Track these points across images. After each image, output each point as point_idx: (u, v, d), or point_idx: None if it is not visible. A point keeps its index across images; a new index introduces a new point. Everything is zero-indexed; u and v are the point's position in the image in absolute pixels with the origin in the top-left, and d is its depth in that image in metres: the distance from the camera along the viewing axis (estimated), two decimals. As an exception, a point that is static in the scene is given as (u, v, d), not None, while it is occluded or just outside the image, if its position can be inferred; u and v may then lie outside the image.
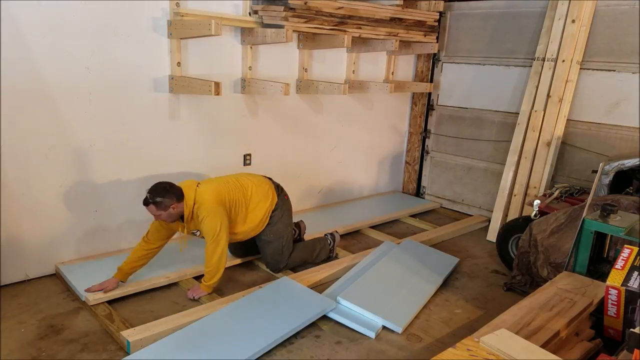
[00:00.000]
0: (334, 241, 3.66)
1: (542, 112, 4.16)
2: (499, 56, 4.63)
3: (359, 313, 2.85)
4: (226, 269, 3.38)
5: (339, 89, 3.87)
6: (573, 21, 3.98)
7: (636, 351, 1.76)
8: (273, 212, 3.28)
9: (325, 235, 3.67)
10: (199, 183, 3.05)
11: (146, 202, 2.85)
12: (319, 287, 3.22)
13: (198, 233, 3.11)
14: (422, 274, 3.37)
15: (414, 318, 2.93)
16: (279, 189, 3.40)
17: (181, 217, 2.98)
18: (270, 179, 3.43)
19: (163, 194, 2.83)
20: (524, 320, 2.30)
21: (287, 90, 3.51)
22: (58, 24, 2.90)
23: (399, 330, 2.76)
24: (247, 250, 3.47)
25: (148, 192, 2.87)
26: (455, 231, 4.43)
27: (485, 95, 4.77)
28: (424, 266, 3.48)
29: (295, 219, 3.64)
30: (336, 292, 3.03)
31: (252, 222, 3.20)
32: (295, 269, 3.43)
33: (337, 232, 3.76)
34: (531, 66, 4.29)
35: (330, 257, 3.63)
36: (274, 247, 3.29)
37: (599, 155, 4.02)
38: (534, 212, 3.52)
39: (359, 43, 4.34)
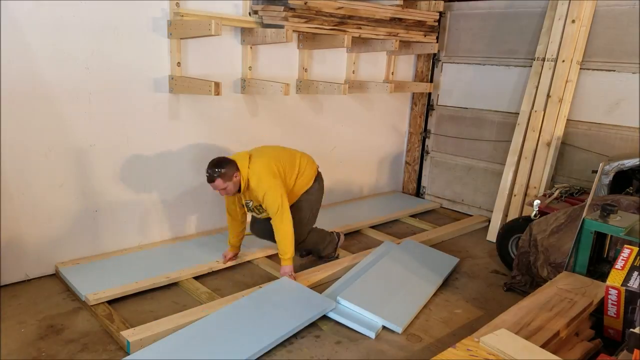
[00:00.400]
0: (338, 240, 3.72)
1: (542, 112, 4.16)
2: (499, 56, 4.63)
3: (359, 313, 2.85)
4: (226, 269, 3.40)
5: (339, 89, 3.87)
6: (573, 21, 3.98)
7: (636, 351, 1.76)
8: (313, 183, 3.41)
9: (332, 232, 3.72)
10: (250, 154, 3.17)
11: (211, 178, 2.98)
12: (319, 287, 3.22)
13: (251, 204, 3.23)
14: (421, 274, 3.38)
15: (414, 318, 2.93)
16: (317, 171, 3.53)
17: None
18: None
19: (224, 166, 2.99)
20: (524, 320, 2.30)
21: (287, 90, 3.51)
22: (58, 24, 2.90)
23: (399, 330, 2.77)
24: (267, 233, 3.39)
25: (209, 169, 3.00)
26: (455, 231, 4.43)
27: (485, 95, 4.77)
28: (423, 266, 3.48)
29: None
30: (336, 292, 3.03)
31: (296, 188, 3.34)
32: (295, 269, 3.44)
33: (341, 233, 3.82)
34: (531, 66, 4.29)
35: (332, 256, 3.66)
36: (301, 216, 3.33)
37: (599, 155, 4.02)
38: (534, 212, 3.52)
39: (359, 43, 4.34)
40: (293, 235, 3.13)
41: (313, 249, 3.57)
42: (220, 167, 2.97)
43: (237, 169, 3.04)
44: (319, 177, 3.50)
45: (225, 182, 2.99)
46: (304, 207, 3.37)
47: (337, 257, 3.68)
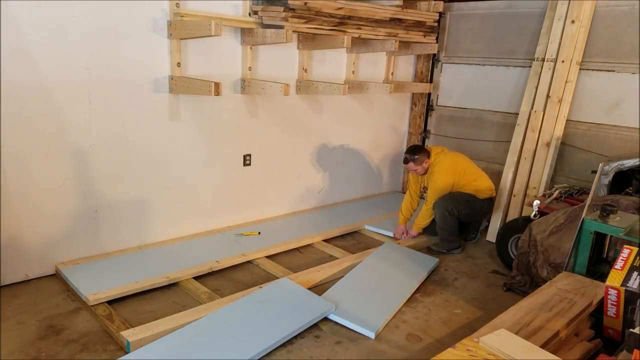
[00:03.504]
0: (455, 248, 3.98)
1: (542, 113, 4.16)
2: (498, 57, 4.63)
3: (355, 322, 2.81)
4: (226, 269, 3.41)
5: (339, 89, 3.88)
6: (573, 22, 3.98)
7: (636, 351, 1.76)
8: (485, 197, 4.00)
9: (460, 240, 4.04)
10: (443, 149, 3.99)
11: (406, 161, 3.90)
12: (320, 287, 3.23)
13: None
14: (397, 276, 3.37)
15: (414, 318, 2.94)
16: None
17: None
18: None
19: (419, 152, 3.89)
20: (523, 320, 2.30)
21: (287, 90, 3.52)
22: (58, 24, 2.90)
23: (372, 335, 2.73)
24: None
25: (406, 154, 3.94)
26: (455, 231, 4.42)
27: (485, 95, 4.77)
28: (400, 269, 3.47)
29: (294, 219, 3.77)
30: (336, 294, 3.03)
31: (472, 187, 3.96)
32: (295, 269, 3.45)
33: (461, 248, 4.07)
34: (531, 66, 4.30)
35: (443, 252, 3.94)
36: (465, 197, 3.90)
37: (599, 155, 4.02)
38: (534, 213, 3.52)
39: (359, 43, 4.35)
40: (426, 224, 3.96)
41: (445, 231, 3.91)
42: (415, 154, 3.86)
43: (428, 157, 3.90)
44: (489, 199, 4.04)
45: (416, 166, 3.89)
46: (470, 198, 3.90)
47: (441, 254, 3.93)
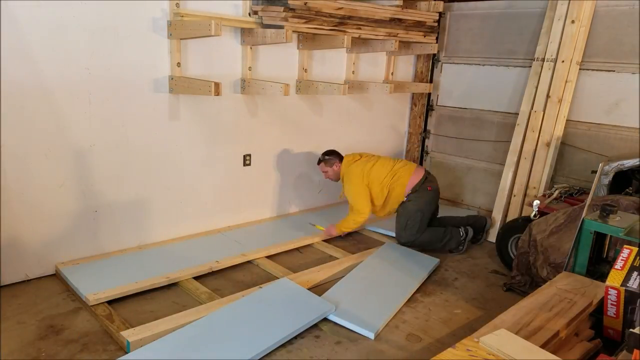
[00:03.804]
0: (466, 234, 3.94)
1: (542, 113, 4.17)
2: (498, 57, 4.63)
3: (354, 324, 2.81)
4: (225, 269, 3.41)
5: (339, 89, 3.87)
6: (572, 22, 3.98)
7: (636, 351, 1.76)
8: (410, 194, 3.84)
9: (460, 227, 3.96)
10: (358, 158, 3.97)
11: (318, 162, 4.04)
12: (320, 287, 3.23)
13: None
14: (398, 277, 3.37)
15: (414, 318, 2.94)
16: (424, 180, 3.89)
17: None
18: (425, 169, 4.03)
19: (331, 154, 4.01)
20: (523, 320, 2.30)
21: (287, 90, 3.52)
22: (58, 24, 2.90)
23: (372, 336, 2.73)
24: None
25: (321, 155, 4.05)
26: (455, 231, 4.42)
27: (485, 95, 4.77)
28: (400, 269, 3.48)
29: (294, 219, 3.78)
30: (336, 294, 3.03)
31: (390, 198, 3.91)
32: (295, 269, 3.45)
33: (469, 228, 4.00)
34: (531, 66, 4.30)
35: (459, 249, 3.93)
36: (400, 221, 3.88)
37: (599, 155, 4.02)
38: (534, 213, 3.52)
39: (359, 43, 4.35)
40: (355, 228, 4.04)
41: (428, 245, 3.86)
42: (326, 155, 4.00)
43: (340, 162, 3.97)
44: (418, 190, 3.84)
45: (326, 167, 4.00)
46: (402, 214, 3.86)
47: (462, 251, 3.95)
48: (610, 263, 2.75)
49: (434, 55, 5.09)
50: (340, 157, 4.00)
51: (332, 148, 4.15)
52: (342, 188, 4.02)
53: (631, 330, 1.85)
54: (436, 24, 4.68)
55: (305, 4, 3.59)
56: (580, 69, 4.07)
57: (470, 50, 4.83)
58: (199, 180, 3.78)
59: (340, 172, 3.97)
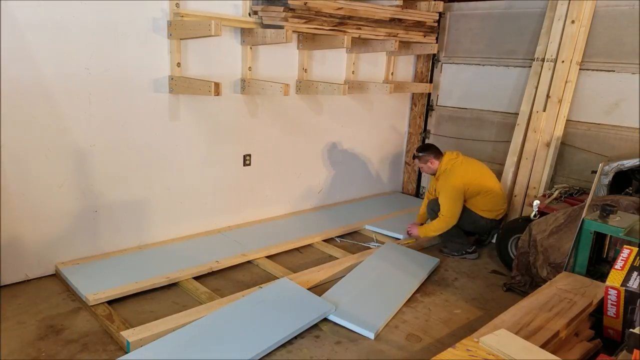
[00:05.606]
0: (469, 252, 3.90)
1: (542, 113, 4.16)
2: (498, 57, 4.63)
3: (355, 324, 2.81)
4: (225, 269, 3.41)
5: (339, 89, 3.88)
6: (572, 22, 3.98)
7: (636, 351, 1.76)
8: (489, 217, 3.86)
9: (471, 244, 3.95)
10: (458, 156, 3.88)
11: (413, 157, 3.99)
12: (320, 287, 3.23)
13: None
14: (398, 277, 3.37)
15: (414, 318, 2.93)
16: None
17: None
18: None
19: (425, 151, 3.89)
20: (523, 320, 2.30)
21: (287, 90, 3.52)
22: (58, 24, 2.90)
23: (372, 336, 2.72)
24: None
25: (416, 150, 3.97)
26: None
27: (485, 95, 4.77)
28: (400, 269, 3.47)
29: (294, 219, 3.78)
30: (336, 294, 3.03)
31: (480, 204, 3.85)
32: (295, 269, 3.45)
33: (477, 254, 3.95)
34: (531, 67, 4.30)
35: (453, 254, 3.90)
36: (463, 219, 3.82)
37: (599, 155, 4.02)
38: (534, 213, 3.52)
39: (359, 43, 4.35)
40: (433, 235, 3.88)
41: (449, 238, 3.89)
42: (420, 151, 3.91)
43: (435, 158, 3.85)
44: (496, 220, 3.89)
45: (420, 163, 3.93)
46: (466, 215, 3.81)
47: (455, 257, 3.91)
48: (610, 263, 2.75)
49: (434, 55, 5.09)
50: (435, 153, 3.86)
51: (428, 143, 4.22)
52: (429, 183, 4.10)
53: (631, 330, 1.85)
54: (436, 24, 4.69)
55: (305, 4, 3.59)
56: (580, 69, 4.07)
57: (470, 50, 4.83)
58: (199, 180, 3.78)
59: (439, 169, 3.85)
